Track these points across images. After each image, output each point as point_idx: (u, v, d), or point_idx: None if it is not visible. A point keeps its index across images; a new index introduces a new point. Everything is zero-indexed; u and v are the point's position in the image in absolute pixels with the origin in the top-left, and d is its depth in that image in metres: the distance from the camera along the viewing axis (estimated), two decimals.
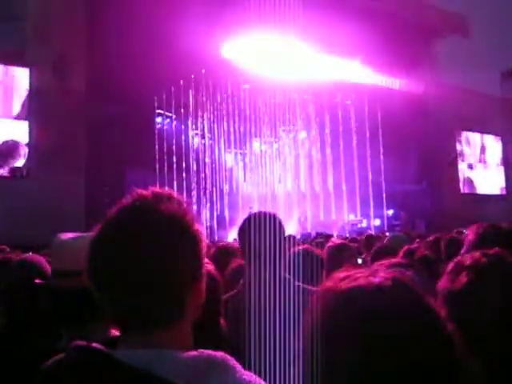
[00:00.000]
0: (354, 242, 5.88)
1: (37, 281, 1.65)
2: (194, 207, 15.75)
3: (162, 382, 0.86)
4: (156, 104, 16.12)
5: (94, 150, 13.84)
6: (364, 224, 18.28)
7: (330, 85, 18.09)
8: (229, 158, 18.91)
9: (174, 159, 16.40)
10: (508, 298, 1.16)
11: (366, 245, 5.30)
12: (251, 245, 2.13)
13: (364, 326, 0.75)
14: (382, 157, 19.22)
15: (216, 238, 15.20)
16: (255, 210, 15.23)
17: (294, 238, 4.93)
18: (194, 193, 16.81)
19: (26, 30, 13.11)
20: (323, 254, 3.24)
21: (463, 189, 22.65)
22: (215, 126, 18.08)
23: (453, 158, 21.15)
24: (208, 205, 17.26)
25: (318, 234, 11.29)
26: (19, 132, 13.30)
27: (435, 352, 0.75)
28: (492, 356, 1.12)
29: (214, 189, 17.79)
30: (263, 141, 19.32)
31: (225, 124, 18.18)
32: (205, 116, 17.74)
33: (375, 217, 19.08)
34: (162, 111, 16.64)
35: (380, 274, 0.81)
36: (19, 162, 13.28)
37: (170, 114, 16.92)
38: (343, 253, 3.62)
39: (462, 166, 22.86)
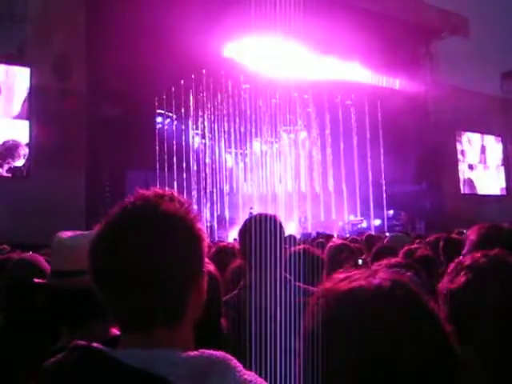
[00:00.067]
0: (355, 242, 5.88)
1: (35, 280, 1.65)
2: (195, 207, 15.75)
3: (163, 382, 0.87)
4: (156, 104, 16.12)
5: (95, 150, 13.84)
6: (364, 224, 18.27)
7: (330, 85, 18.09)
8: (229, 158, 18.91)
9: (175, 159, 16.40)
10: (506, 298, 1.16)
11: (366, 245, 5.30)
12: (252, 246, 2.13)
13: (363, 327, 0.75)
14: (382, 157, 19.22)
15: (216, 237, 15.21)
16: (256, 210, 15.32)
17: (295, 238, 4.94)
18: (195, 193, 16.82)
19: (27, 30, 13.11)
20: (324, 255, 3.24)
21: (463, 189, 22.64)
22: (215, 126, 18.09)
23: None
24: (208, 205, 17.26)
25: (319, 234, 11.31)
26: (19, 132, 13.30)
27: (433, 352, 0.76)
28: (489, 355, 1.12)
29: (215, 189, 17.79)
30: (263, 141, 19.33)
31: (225, 124, 18.19)
32: (205, 116, 17.75)
33: (375, 217, 19.07)
34: (162, 111, 16.64)
35: (379, 274, 0.81)
36: (19, 162, 13.28)
37: (171, 114, 16.92)
38: (344, 253, 3.62)
39: (463, 167, 22.85)
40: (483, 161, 23.83)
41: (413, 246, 3.76)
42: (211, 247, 3.89)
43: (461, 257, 1.96)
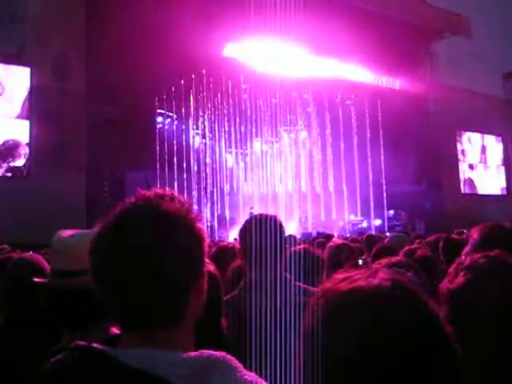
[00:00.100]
0: (355, 242, 5.88)
1: (36, 279, 1.65)
2: (195, 207, 15.76)
3: (163, 383, 0.87)
4: (157, 104, 16.12)
5: (95, 150, 13.84)
6: (364, 224, 18.28)
7: (330, 85, 18.10)
8: (229, 158, 18.92)
9: (175, 159, 16.40)
10: (506, 299, 1.16)
11: (366, 245, 5.30)
12: (252, 246, 2.14)
13: (363, 327, 0.75)
14: (382, 157, 19.22)
15: (216, 237, 15.22)
16: (256, 210, 15.29)
17: (295, 237, 4.95)
18: (195, 193, 16.82)
19: (27, 30, 13.11)
20: (324, 254, 3.24)
21: (464, 189, 22.64)
22: (216, 125, 18.09)
23: None
24: (209, 204, 17.27)
25: (319, 234, 11.30)
26: (20, 132, 13.30)
27: (434, 352, 0.76)
28: (489, 356, 1.12)
29: (215, 189, 17.80)
30: (264, 141, 19.33)
31: (225, 124, 18.19)
32: (205, 116, 17.75)
33: (376, 217, 19.08)
34: (162, 111, 16.65)
35: (379, 275, 0.81)
36: (19, 162, 13.29)
37: (171, 114, 16.92)
38: (344, 253, 3.62)
39: (463, 167, 22.85)
40: (483, 161, 23.83)
41: (413, 247, 3.76)
42: (211, 247, 3.89)
43: (463, 256, 1.96)
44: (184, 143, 16.91)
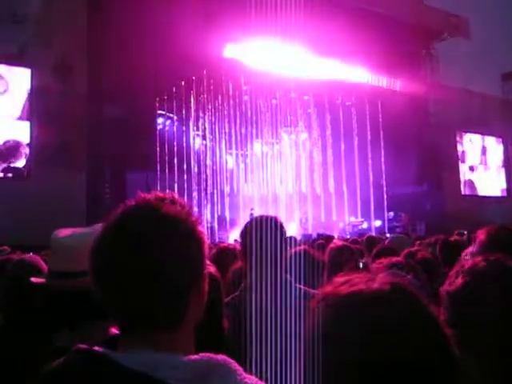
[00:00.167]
0: (355, 243, 5.88)
1: (33, 279, 1.65)
2: (196, 208, 15.76)
3: None
4: (157, 105, 16.12)
5: (95, 151, 13.85)
6: (365, 225, 18.27)
7: (330, 86, 18.10)
8: (230, 159, 18.92)
9: (175, 160, 16.40)
10: (505, 302, 1.16)
11: (366, 246, 5.30)
12: (253, 248, 2.14)
13: (363, 331, 0.75)
14: (382, 158, 19.21)
15: (217, 238, 15.21)
16: (256, 211, 15.27)
17: (295, 239, 4.94)
18: (195, 194, 16.82)
19: (28, 31, 13.11)
20: (324, 256, 3.24)
21: (464, 190, 22.62)
22: (216, 127, 18.09)
23: None
24: (209, 206, 17.26)
25: (319, 236, 11.29)
26: (20, 132, 13.31)
27: (433, 356, 0.76)
28: (489, 358, 1.12)
29: (215, 190, 17.79)
30: (264, 142, 19.34)
31: (226, 125, 18.20)
32: (206, 117, 17.75)
33: (376, 218, 19.07)
34: (163, 112, 16.65)
35: (379, 279, 0.82)
36: (20, 162, 13.29)
37: (172, 115, 16.92)
38: (344, 254, 3.62)
39: (463, 168, 22.84)
40: (484, 162, 23.81)
41: (413, 249, 3.76)
42: (212, 248, 3.89)
43: (464, 257, 1.96)
44: (184, 144, 16.90)
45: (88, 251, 0.98)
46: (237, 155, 19.09)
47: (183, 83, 16.10)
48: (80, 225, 1.67)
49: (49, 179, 12.38)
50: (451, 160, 21.76)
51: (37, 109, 13.25)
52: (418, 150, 19.80)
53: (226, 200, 17.96)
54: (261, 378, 0.96)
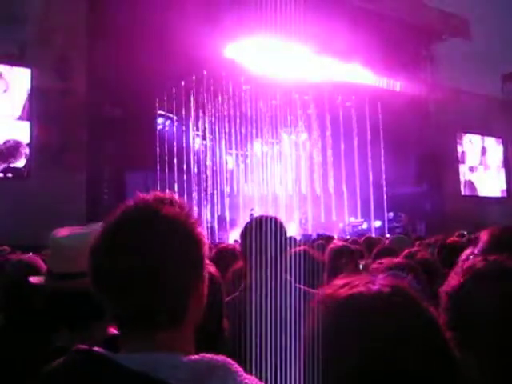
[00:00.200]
0: (355, 243, 5.88)
1: (31, 279, 1.65)
2: (195, 208, 15.76)
3: None
4: (157, 105, 16.12)
5: (95, 151, 13.85)
6: (364, 226, 18.27)
7: (330, 86, 18.09)
8: (230, 160, 18.92)
9: (175, 160, 16.40)
10: (504, 302, 1.15)
11: (366, 247, 5.30)
12: (253, 248, 2.14)
13: (363, 332, 0.75)
14: (382, 158, 19.21)
15: (216, 239, 15.21)
16: (256, 211, 15.26)
17: (295, 239, 4.94)
18: (195, 194, 16.81)
19: (28, 31, 13.11)
20: (324, 256, 3.24)
21: (464, 191, 22.62)
22: (216, 127, 18.09)
23: None
24: (209, 206, 17.26)
25: (319, 236, 11.29)
26: (20, 132, 13.31)
27: (433, 357, 0.76)
28: (489, 360, 1.12)
29: (215, 190, 17.79)
30: (264, 142, 19.34)
31: (226, 125, 18.19)
32: (206, 117, 17.75)
33: (376, 218, 19.07)
34: (163, 112, 16.65)
35: (379, 281, 0.81)
36: (20, 162, 13.29)
37: (171, 115, 16.92)
38: (344, 255, 3.62)
39: (463, 168, 22.84)
40: (484, 162, 23.82)
41: (413, 249, 3.75)
42: (211, 248, 3.89)
43: (463, 257, 1.96)
44: (184, 144, 16.90)
45: (87, 252, 0.98)
46: (237, 155, 19.09)
47: (183, 83, 16.10)
48: (80, 225, 1.67)
49: (49, 179, 12.38)
50: (451, 160, 21.77)
51: (37, 109, 13.24)
52: (417, 150, 19.80)
53: (226, 200, 17.96)
54: (261, 379, 0.96)
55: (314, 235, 13.67)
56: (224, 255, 3.32)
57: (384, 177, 19.16)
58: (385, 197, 19.13)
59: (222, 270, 2.50)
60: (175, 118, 16.95)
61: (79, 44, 13.72)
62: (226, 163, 18.69)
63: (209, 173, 17.68)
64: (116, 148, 14.20)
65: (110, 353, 0.93)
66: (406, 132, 19.04)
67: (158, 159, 15.80)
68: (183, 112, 16.82)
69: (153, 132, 16.10)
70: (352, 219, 18.85)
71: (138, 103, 14.51)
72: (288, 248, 2.27)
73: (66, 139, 13.06)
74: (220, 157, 18.35)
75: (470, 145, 23.26)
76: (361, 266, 3.93)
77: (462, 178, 22.58)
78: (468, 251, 2.14)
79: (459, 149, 22.76)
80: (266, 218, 2.26)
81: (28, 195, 11.93)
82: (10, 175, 13.15)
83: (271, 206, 17.73)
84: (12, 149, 13.20)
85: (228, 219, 17.28)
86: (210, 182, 17.56)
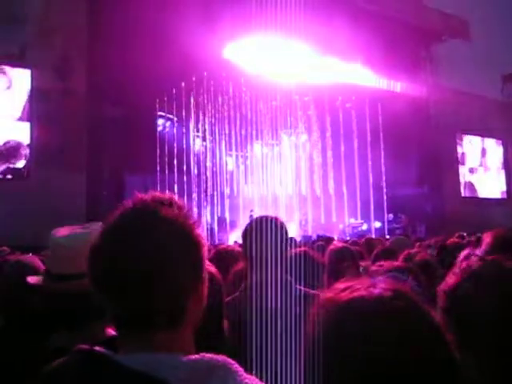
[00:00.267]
0: (355, 245, 5.88)
1: (29, 279, 1.65)
2: (195, 210, 15.75)
3: None
4: (157, 106, 16.12)
5: (95, 152, 13.85)
6: (364, 227, 18.27)
7: (331, 87, 18.09)
8: (230, 161, 18.92)
9: (175, 161, 16.39)
10: (502, 301, 1.15)
11: (366, 248, 5.30)
12: (253, 248, 2.14)
13: (365, 336, 0.75)
14: (382, 160, 19.21)
15: (216, 240, 15.21)
16: (256, 213, 15.28)
17: (295, 240, 4.94)
18: (195, 195, 16.81)
19: (28, 32, 13.12)
20: (324, 258, 3.24)
21: (464, 192, 22.61)
22: (216, 128, 18.09)
23: None
24: (209, 207, 17.25)
25: (319, 237, 11.30)
26: (20, 133, 13.31)
27: (435, 361, 0.76)
28: (488, 360, 1.12)
29: (215, 192, 17.78)
30: (264, 143, 19.34)
31: (226, 126, 18.19)
32: (206, 118, 17.75)
33: (376, 220, 19.06)
34: (163, 113, 16.65)
35: (380, 284, 0.81)
36: (20, 163, 13.29)
37: (172, 117, 16.91)
38: (345, 256, 3.62)
39: (463, 170, 22.84)
40: (484, 164, 23.81)
41: (413, 251, 3.76)
42: (211, 250, 3.89)
43: (472, 257, 1.96)
44: (184, 146, 16.89)
45: (86, 252, 0.98)
46: (237, 157, 19.09)
47: (183, 84, 16.10)
48: (80, 225, 1.67)
49: (49, 180, 12.37)
50: (451, 162, 21.76)
51: (37, 109, 13.24)
52: (417, 151, 19.81)
53: (226, 201, 17.96)
54: (261, 379, 0.96)
55: (314, 236, 13.68)
56: (223, 256, 3.31)
57: (384, 178, 19.16)
58: (385, 198, 19.13)
59: (222, 272, 2.50)
60: (175, 119, 16.95)
61: (79, 44, 13.72)
62: (226, 164, 18.68)
63: (209, 174, 17.68)
64: (116, 148, 14.20)
65: (111, 353, 0.93)
66: (406, 133, 19.03)
67: (157, 160, 15.80)
68: (183, 113, 16.82)
69: (153, 133, 16.10)
70: (352, 220, 18.84)
71: (138, 104, 14.52)
72: (289, 248, 2.27)
73: (66, 139, 13.05)
74: (220, 158, 18.35)
75: (470, 146, 23.26)
76: (361, 269, 3.93)
77: (461, 180, 22.58)
78: (466, 251, 2.14)
79: (459, 150, 22.76)
80: (267, 218, 2.26)
81: (28, 195, 11.92)
82: (9, 176, 13.15)
83: (271, 208, 17.73)
84: (12, 150, 13.20)
85: (228, 220, 17.28)
86: (209, 184, 17.56)
